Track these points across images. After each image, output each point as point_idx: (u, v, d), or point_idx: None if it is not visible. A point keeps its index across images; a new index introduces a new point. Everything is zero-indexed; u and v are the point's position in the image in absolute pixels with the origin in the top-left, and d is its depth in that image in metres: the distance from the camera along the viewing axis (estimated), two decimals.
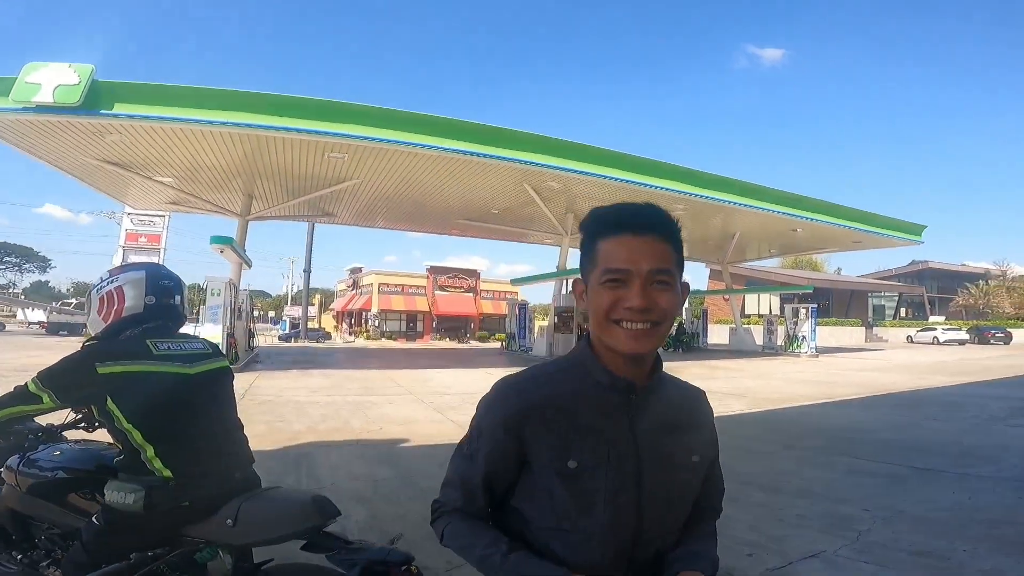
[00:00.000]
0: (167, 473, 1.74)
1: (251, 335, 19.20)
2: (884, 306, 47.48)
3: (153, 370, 1.80)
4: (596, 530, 0.94)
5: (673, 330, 20.23)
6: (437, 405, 9.23)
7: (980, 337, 33.11)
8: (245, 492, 1.85)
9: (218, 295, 13.94)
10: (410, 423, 7.56)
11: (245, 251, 17.11)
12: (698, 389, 1.12)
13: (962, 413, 8.19)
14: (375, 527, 3.65)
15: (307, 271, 41.87)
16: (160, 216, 27.36)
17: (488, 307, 44.72)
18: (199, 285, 14.69)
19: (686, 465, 1.01)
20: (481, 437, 1.00)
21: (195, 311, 14.05)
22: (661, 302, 0.89)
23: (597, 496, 0.93)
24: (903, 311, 47.33)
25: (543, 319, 27.42)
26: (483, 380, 13.28)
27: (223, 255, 15.47)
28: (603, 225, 0.93)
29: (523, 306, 25.72)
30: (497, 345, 31.88)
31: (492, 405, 1.00)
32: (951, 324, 37.77)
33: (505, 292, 43.23)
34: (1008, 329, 34.05)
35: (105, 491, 1.78)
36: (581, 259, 0.98)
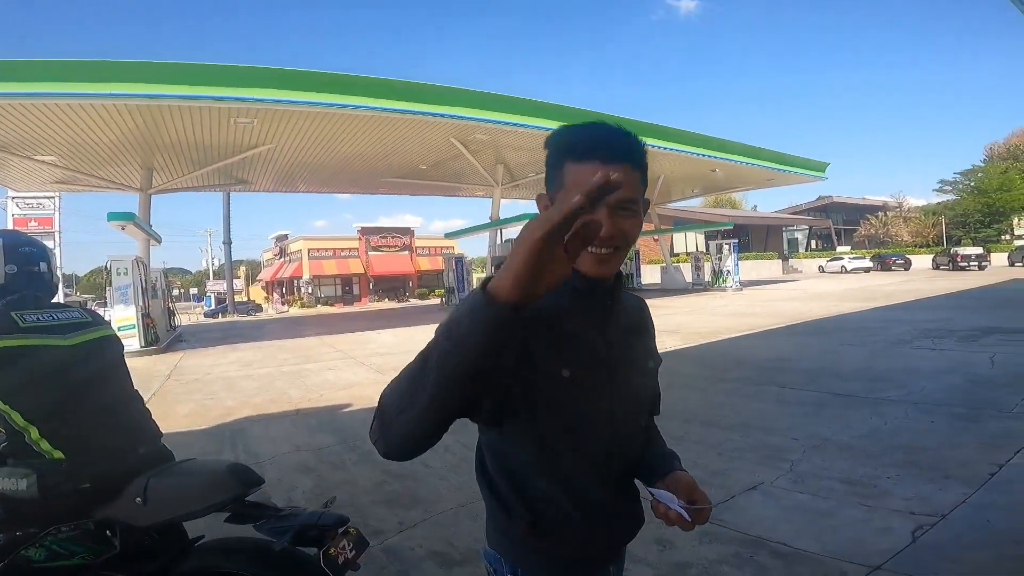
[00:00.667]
0: (57, 454, 1.62)
1: (171, 314, 18.12)
2: (797, 239, 50.47)
3: (23, 344, 1.64)
4: (584, 442, 0.96)
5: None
6: (379, 367, 9.09)
7: (883, 264, 35.67)
8: (153, 468, 1.75)
9: (126, 274, 12.93)
10: (351, 387, 7.42)
11: (151, 226, 15.98)
12: (640, 298, 1.15)
13: (872, 338, 8.86)
14: (321, 495, 3.57)
15: (227, 243, 39.59)
16: (49, 197, 25.02)
17: (425, 264, 44.22)
18: (105, 267, 13.56)
19: (647, 370, 1.06)
20: None
21: (103, 294, 13.10)
22: (626, 229, 0.90)
23: (580, 403, 0.94)
24: (813, 243, 50.57)
25: (481, 271, 27.41)
26: (426, 336, 13.09)
27: (126, 232, 14.34)
28: (573, 149, 0.90)
29: (460, 259, 25.56)
30: (437, 301, 31.70)
31: None
32: (856, 253, 40.45)
33: (441, 247, 42.77)
34: (907, 256, 36.75)
35: None
36: (547, 174, 0.95)
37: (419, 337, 12.60)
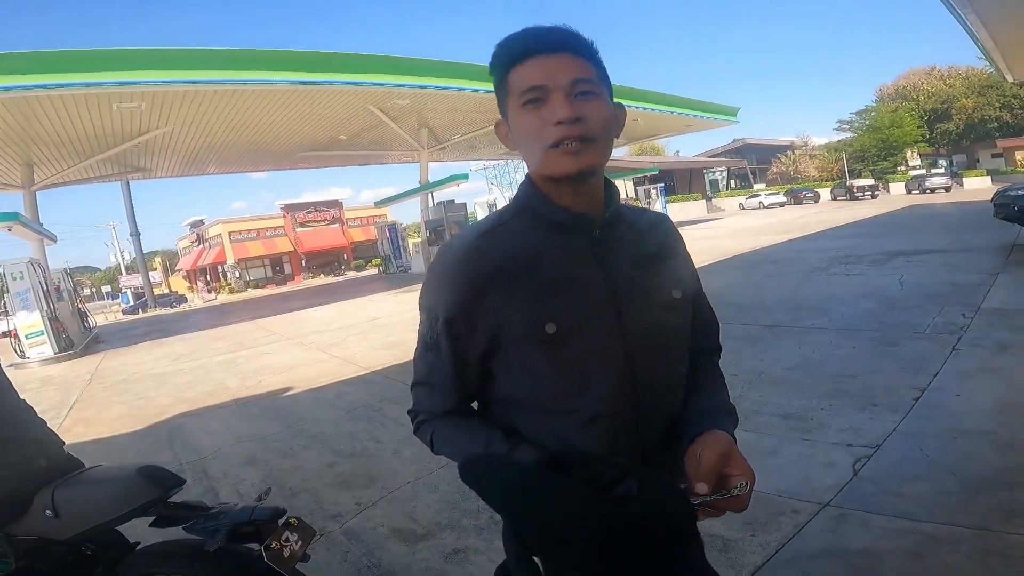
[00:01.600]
0: None
1: (83, 315, 16.79)
2: (717, 180, 52.67)
3: None
4: (599, 405, 0.83)
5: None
6: (319, 344, 8.81)
7: (795, 198, 37.90)
8: (58, 478, 1.66)
9: (22, 278, 11.77)
10: (291, 369, 7.16)
11: (42, 224, 14.58)
12: (661, 214, 1.01)
13: (791, 268, 9.38)
14: (272, 486, 3.43)
15: (135, 234, 36.75)
16: None
17: (358, 235, 42.90)
18: (0, 273, 12.30)
19: (669, 303, 0.90)
20: (439, 320, 0.84)
21: (2, 303, 11.94)
22: (590, 111, 0.78)
23: (587, 363, 0.82)
24: (733, 183, 52.93)
25: (416, 236, 26.97)
26: (366, 308, 12.93)
27: (13, 233, 13.00)
28: (511, 54, 0.82)
29: (393, 227, 25.06)
30: (374, 271, 31.03)
31: (444, 277, 0.84)
32: (771, 190, 42.77)
33: (373, 216, 41.53)
34: (815, 190, 39.25)
35: None
36: (498, 98, 0.87)
37: (356, 311, 12.42)
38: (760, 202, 38.24)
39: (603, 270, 0.84)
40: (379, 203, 27.33)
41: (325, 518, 2.92)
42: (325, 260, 42.13)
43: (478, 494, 0.66)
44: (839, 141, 48.89)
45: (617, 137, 0.86)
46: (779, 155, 51.81)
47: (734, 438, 0.83)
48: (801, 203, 36.81)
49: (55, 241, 15.68)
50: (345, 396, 5.38)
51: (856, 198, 33.71)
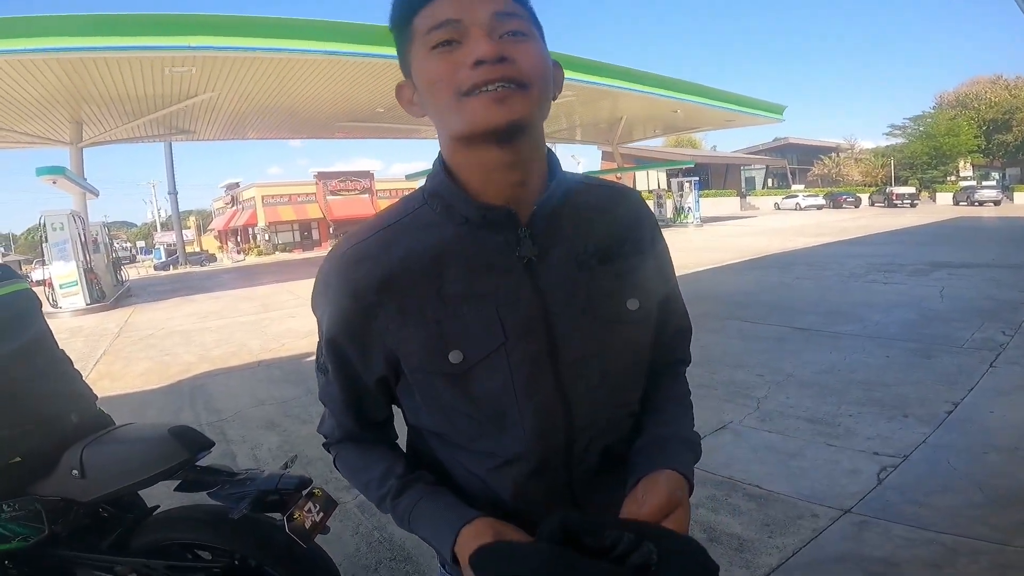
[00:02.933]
0: None
1: (117, 268, 17.26)
2: (754, 177, 51.46)
3: None
4: (518, 447, 0.67)
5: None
6: None
7: (834, 202, 36.86)
8: (88, 436, 1.60)
9: (62, 229, 12.14)
10: (314, 335, 7.10)
11: (86, 179, 15.00)
12: (626, 189, 0.77)
13: (826, 272, 9.12)
14: (289, 452, 3.46)
15: (173, 193, 37.62)
16: None
17: (386, 206, 43.30)
18: (39, 223, 12.71)
19: (622, 316, 0.69)
20: (323, 338, 0.71)
21: (38, 252, 12.34)
22: (520, 54, 0.59)
23: (504, 398, 0.66)
24: (770, 181, 51.67)
25: None
26: None
27: (58, 186, 13.41)
28: None
29: None
30: None
31: (325, 289, 0.68)
32: (810, 191, 41.69)
33: (402, 190, 41.75)
34: (857, 195, 38.12)
35: None
36: (400, 57, 0.66)
37: None
38: (797, 203, 37.31)
39: (532, 278, 0.66)
40: (410, 176, 27.51)
41: (339, 489, 2.93)
42: (352, 229, 42.65)
43: None
44: (888, 146, 47.40)
45: (554, 99, 0.66)
46: (822, 157, 50.39)
47: (689, 477, 0.66)
48: (840, 207, 35.85)
49: (97, 195, 16.14)
50: None
51: (894, 206, 32.73)
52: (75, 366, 1.79)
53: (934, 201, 36.47)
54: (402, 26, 0.63)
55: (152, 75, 12.29)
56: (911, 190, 34.13)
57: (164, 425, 1.60)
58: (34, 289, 1.79)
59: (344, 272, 0.66)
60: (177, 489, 1.60)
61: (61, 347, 1.77)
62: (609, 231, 0.71)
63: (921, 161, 41.92)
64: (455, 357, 0.64)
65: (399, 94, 0.68)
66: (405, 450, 0.80)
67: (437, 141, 0.68)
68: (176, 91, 13.77)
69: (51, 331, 1.75)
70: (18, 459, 1.51)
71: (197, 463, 1.59)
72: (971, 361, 4.17)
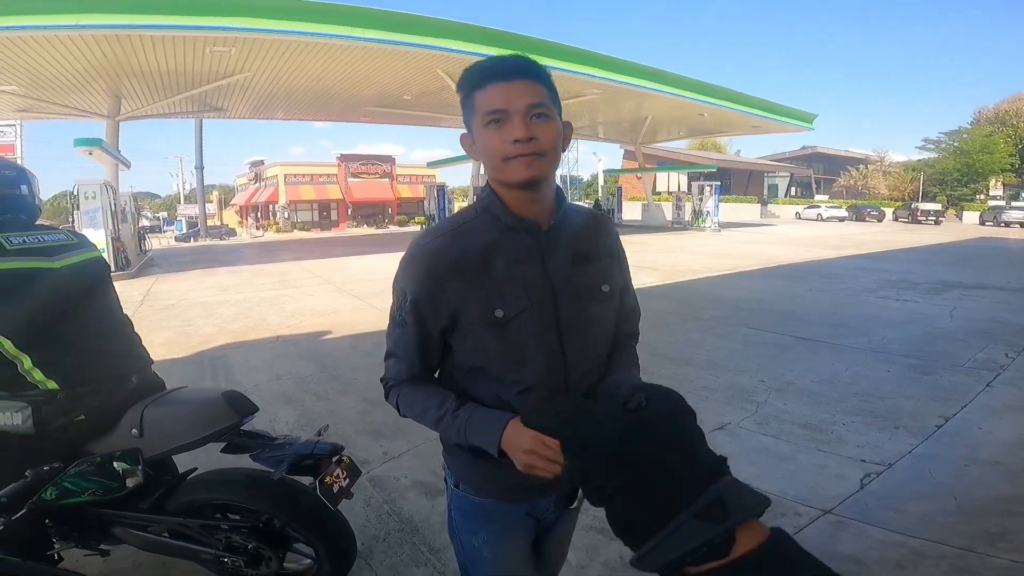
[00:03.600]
0: (52, 384, 1.56)
1: (141, 237, 17.66)
2: (777, 185, 50.74)
3: (10, 267, 1.56)
4: (533, 380, 1.01)
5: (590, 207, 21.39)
6: (358, 293, 9.10)
7: (857, 215, 36.26)
8: (147, 397, 1.71)
9: (94, 198, 12.51)
10: (331, 314, 7.43)
11: (120, 151, 15.41)
12: (601, 215, 1.17)
13: (839, 285, 9.13)
14: (306, 427, 3.64)
15: (199, 167, 38.17)
16: (10, 125, 23.60)
17: (405, 191, 43.47)
18: (71, 192, 13.07)
19: (597, 296, 1.07)
20: (407, 300, 1.02)
21: (68, 219, 12.65)
22: (541, 132, 0.94)
23: (528, 343, 1.00)
24: (793, 190, 50.88)
25: (462, 201, 27.02)
26: None
27: (92, 157, 13.82)
28: (476, 78, 0.97)
29: (442, 188, 25.20)
30: (417, 228, 31.51)
31: (412, 266, 1.02)
32: (833, 203, 40.94)
33: (422, 176, 42.02)
34: (882, 208, 37.41)
35: None
36: (464, 116, 1.01)
37: (397, 264, 12.57)
38: (819, 214, 36.82)
39: (545, 267, 1.01)
40: (432, 164, 27.61)
41: (357, 462, 3.11)
42: (370, 212, 42.90)
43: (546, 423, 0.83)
44: (919, 160, 46.37)
45: (564, 150, 1.03)
46: (850, 168, 49.51)
47: None
48: (864, 220, 35.33)
49: (129, 167, 16.52)
50: (381, 347, 5.52)
51: (919, 222, 32.22)
52: (135, 330, 1.90)
53: (960, 219, 35.83)
54: (466, 97, 0.99)
55: (193, 53, 12.59)
56: (937, 207, 33.40)
57: (217, 389, 1.71)
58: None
59: (426, 258, 1.00)
60: (224, 451, 1.71)
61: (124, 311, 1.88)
62: (590, 240, 1.09)
63: (952, 177, 41.02)
64: (499, 313, 0.98)
65: (463, 142, 1.05)
66: None
67: (459, 131, 1.04)
68: (214, 70, 14.07)
69: (117, 296, 1.87)
70: (82, 417, 1.61)
71: (242, 427, 1.70)
72: (969, 380, 4.25)
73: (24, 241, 1.62)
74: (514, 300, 0.98)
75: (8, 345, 1.52)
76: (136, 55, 12.32)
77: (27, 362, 1.54)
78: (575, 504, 1.18)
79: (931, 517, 2.41)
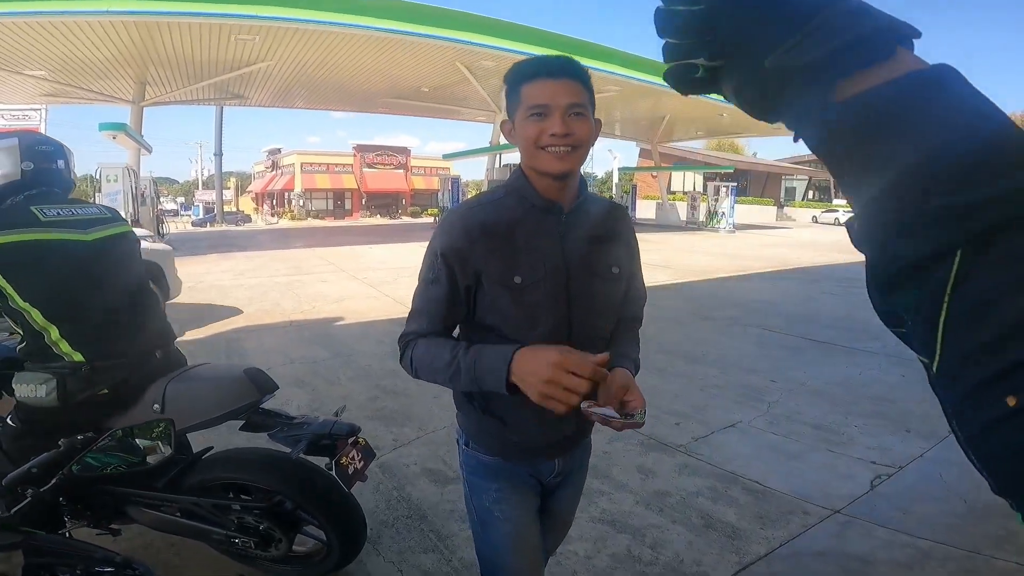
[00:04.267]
0: (78, 356, 1.58)
1: (160, 221, 17.89)
2: (795, 188, 50.13)
3: (44, 238, 1.57)
4: (539, 340, 1.05)
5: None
6: (371, 281, 9.17)
7: None
8: (169, 372, 1.72)
9: (115, 181, 12.73)
10: (344, 300, 7.50)
11: (142, 136, 15.58)
12: (619, 205, 1.26)
13: (855, 289, 9.01)
14: (317, 410, 3.65)
15: (218, 154, 38.51)
16: (36, 109, 23.95)
17: (420, 183, 43.60)
18: (91, 176, 13.30)
19: (606, 276, 1.15)
20: (439, 259, 1.10)
21: (92, 201, 12.83)
22: (577, 129, 1.03)
23: (539, 308, 1.09)
24: (811, 193, 50.33)
25: (476, 193, 26.86)
26: (418, 253, 13.10)
27: (116, 141, 14.07)
28: (525, 73, 1.06)
29: (456, 181, 25.23)
30: (430, 220, 31.57)
31: (447, 229, 1.11)
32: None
33: (437, 168, 42.05)
34: None
35: (13, 385, 1.62)
36: (508, 104, 1.10)
37: (409, 254, 12.78)
38: (836, 218, 36.43)
39: (562, 244, 1.11)
40: (447, 156, 27.61)
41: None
42: (384, 202, 43.10)
43: None
44: None
45: (592, 145, 1.11)
46: None
47: (632, 373, 1.13)
48: None
49: (151, 152, 16.77)
50: (392, 334, 5.57)
51: None
52: (163, 306, 1.91)
53: None
54: (512, 88, 1.07)
55: (218, 41, 12.73)
56: None
57: (239, 366, 1.72)
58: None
59: (462, 220, 1.10)
60: (242, 429, 1.71)
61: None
62: (606, 226, 1.18)
63: None
64: (517, 279, 1.08)
65: (502, 127, 1.15)
66: None
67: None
68: (238, 58, 14.23)
69: (146, 271, 1.89)
70: (105, 391, 1.62)
71: (262, 405, 1.70)
72: None
73: (58, 214, 1.65)
74: (531, 269, 1.07)
75: (37, 316, 1.54)
76: (163, 42, 12.46)
77: (54, 333, 1.56)
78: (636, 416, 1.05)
79: (939, 519, 2.41)
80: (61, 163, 1.77)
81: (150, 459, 1.60)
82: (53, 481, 1.54)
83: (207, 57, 13.96)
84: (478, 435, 1.22)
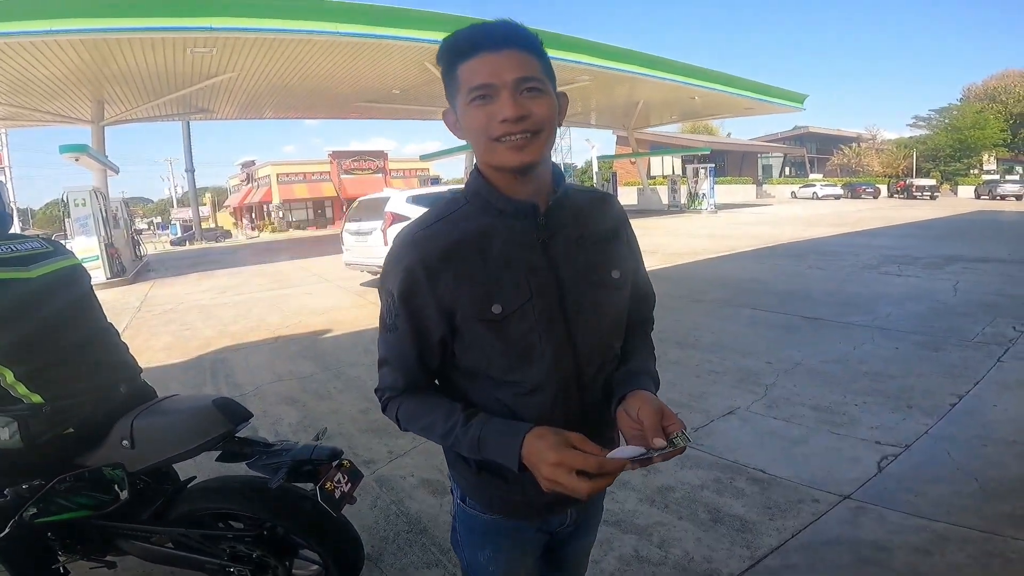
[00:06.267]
0: (36, 398, 1.51)
1: (136, 243, 17.57)
2: (771, 166, 50.75)
3: None
4: (541, 377, 0.90)
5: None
6: (358, 289, 9.06)
7: (852, 192, 36.27)
8: (137, 406, 1.66)
9: (84, 205, 12.39)
10: (331, 311, 7.39)
11: (107, 157, 15.23)
12: (607, 194, 1.05)
13: (840, 262, 9.09)
14: (309, 427, 3.59)
15: (190, 170, 38.02)
16: None
17: (399, 185, 43.29)
18: (61, 200, 12.96)
19: (607, 283, 0.95)
20: (395, 302, 0.90)
21: (61, 227, 12.55)
22: (535, 108, 0.82)
23: (531, 340, 0.89)
24: (787, 170, 50.93)
25: None
26: None
27: (80, 164, 13.66)
28: (459, 48, 0.85)
29: (435, 181, 25.08)
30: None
31: (398, 262, 0.90)
32: (828, 181, 41.13)
33: (416, 169, 41.79)
34: (877, 185, 37.53)
35: None
36: (446, 90, 0.90)
37: None
38: (814, 192, 36.84)
39: (547, 253, 0.90)
40: (424, 157, 27.52)
41: (358, 464, 3.00)
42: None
43: None
44: (911, 138, 46.60)
45: (559, 125, 0.90)
46: (842, 146, 49.60)
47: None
48: (859, 197, 35.36)
49: (117, 172, 16.39)
50: None
51: (914, 197, 32.29)
52: (121, 338, 1.84)
53: (955, 194, 35.87)
54: (448, 69, 0.87)
55: (174, 55, 12.43)
56: (932, 182, 33.66)
57: (207, 396, 1.66)
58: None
59: (416, 247, 0.88)
60: (219, 460, 1.66)
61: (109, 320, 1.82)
62: (596, 222, 0.97)
63: (945, 153, 41.29)
64: (496, 309, 0.87)
65: (446, 119, 0.93)
66: None
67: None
68: (197, 71, 13.93)
69: (99, 303, 1.81)
70: (70, 430, 1.56)
71: (236, 434, 1.65)
72: (979, 355, 4.19)
73: None
74: (513, 293, 0.87)
75: None
76: (115, 59, 12.16)
77: (9, 376, 1.49)
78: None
79: (953, 500, 2.36)
80: None
81: (122, 495, 1.57)
82: (7, 530, 1.49)
83: (164, 72, 13.65)
84: (475, 491, 1.02)
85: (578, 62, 15.97)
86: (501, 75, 0.81)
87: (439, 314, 0.88)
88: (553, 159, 0.94)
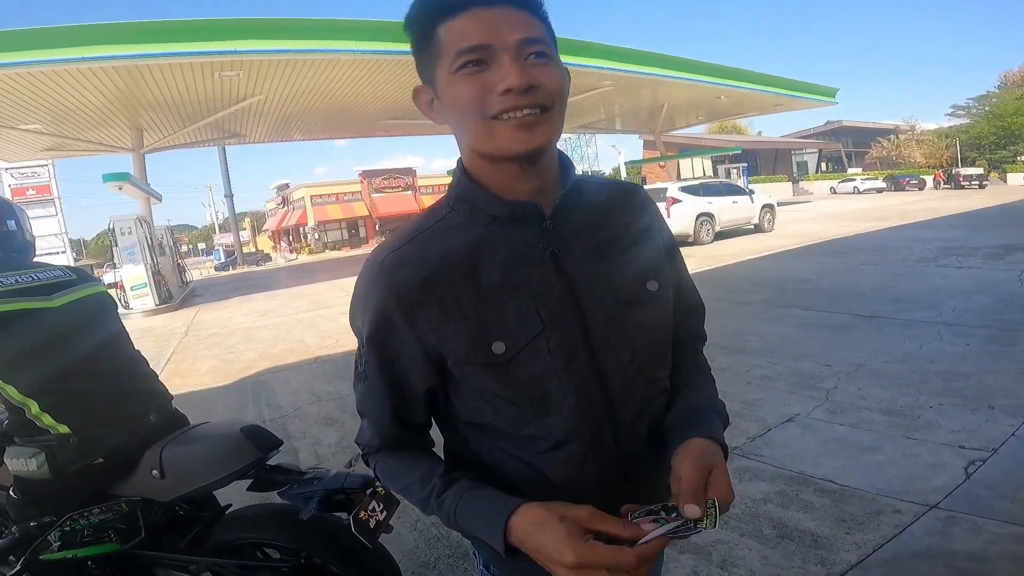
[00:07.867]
0: (63, 428, 1.49)
1: (182, 270, 18.16)
2: (806, 162, 49.39)
3: (4, 309, 1.47)
4: (564, 429, 0.70)
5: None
6: None
7: (896, 185, 34.96)
8: (167, 435, 1.63)
9: (130, 234, 12.87)
10: None
11: (150, 185, 15.82)
12: (634, 186, 0.84)
13: (892, 256, 8.67)
14: (347, 447, 3.54)
15: (229, 196, 39.40)
16: (42, 165, 24.62)
17: (429, 201, 43.49)
18: (109, 229, 13.49)
19: (643, 297, 0.74)
20: (364, 345, 0.73)
21: (112, 256, 13.03)
22: (544, 77, 0.63)
23: (547, 382, 0.69)
24: (824, 165, 49.54)
25: None
26: None
27: (124, 192, 14.24)
28: (441, 6, 0.64)
29: None
30: None
31: (365, 296, 0.71)
32: (869, 175, 39.80)
33: (444, 185, 42.10)
34: (921, 176, 36.13)
35: (5, 460, 1.56)
36: (418, 60, 0.70)
37: None
38: (855, 187, 35.61)
39: (558, 269, 0.69)
40: (450, 172, 27.80)
41: None
42: (398, 225, 43.29)
43: None
44: (951, 127, 45.13)
45: (565, 106, 0.70)
46: (879, 139, 48.10)
47: (723, 442, 0.70)
48: (903, 190, 34.06)
49: (160, 200, 17.03)
50: None
51: (962, 187, 30.88)
52: (150, 366, 1.83)
53: (1005, 182, 34.20)
54: (422, 34, 0.67)
55: (203, 80, 12.84)
56: (979, 171, 32.16)
57: (237, 423, 1.63)
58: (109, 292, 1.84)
59: (386, 276, 0.69)
60: (250, 488, 1.63)
61: (136, 347, 1.81)
62: (622, 222, 0.76)
63: (989, 141, 39.85)
64: (498, 348, 0.67)
65: (416, 98, 0.72)
66: (443, 457, 0.81)
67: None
68: (226, 95, 14.36)
69: (127, 332, 1.79)
70: (100, 460, 1.54)
71: (267, 462, 1.62)
72: None
73: (17, 281, 1.54)
74: (520, 323, 0.67)
75: (13, 392, 1.46)
76: (147, 85, 12.60)
77: (33, 407, 1.48)
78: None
79: None
80: (12, 224, 1.66)
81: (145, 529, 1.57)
82: (18, 567, 1.48)
83: (195, 97, 14.05)
84: (497, 560, 0.73)
85: (600, 67, 15.82)
86: (500, 35, 0.62)
87: (423, 360, 0.70)
88: (578, 168, 0.75)
